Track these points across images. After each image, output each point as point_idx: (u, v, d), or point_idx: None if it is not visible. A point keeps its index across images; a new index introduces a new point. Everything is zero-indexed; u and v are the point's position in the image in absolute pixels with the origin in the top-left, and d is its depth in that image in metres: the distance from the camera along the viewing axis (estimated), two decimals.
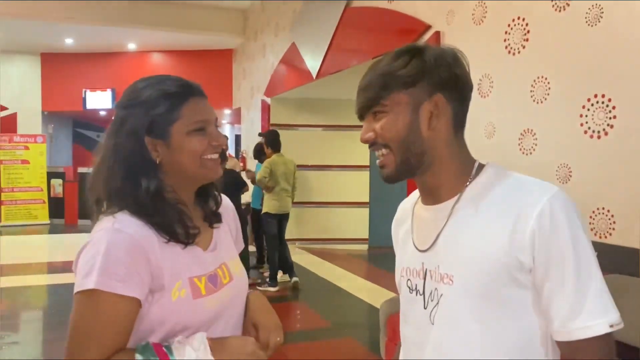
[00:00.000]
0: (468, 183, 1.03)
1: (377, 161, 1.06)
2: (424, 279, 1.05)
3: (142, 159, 1.10)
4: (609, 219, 2.86)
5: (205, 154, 1.12)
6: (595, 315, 0.91)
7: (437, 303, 1.02)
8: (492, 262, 0.95)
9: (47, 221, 11.37)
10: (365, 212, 8.73)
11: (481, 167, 1.04)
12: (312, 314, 5.30)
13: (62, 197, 11.67)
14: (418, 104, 1.01)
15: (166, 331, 1.07)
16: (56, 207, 11.57)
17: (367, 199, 8.75)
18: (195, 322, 1.08)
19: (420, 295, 1.06)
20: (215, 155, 1.14)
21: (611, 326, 0.91)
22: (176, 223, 1.10)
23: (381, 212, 8.45)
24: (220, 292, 1.14)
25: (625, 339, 2.59)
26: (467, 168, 1.04)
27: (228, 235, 1.28)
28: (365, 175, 8.68)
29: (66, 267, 7.56)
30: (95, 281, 1.00)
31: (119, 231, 1.04)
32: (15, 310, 5.33)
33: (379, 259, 7.91)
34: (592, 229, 2.94)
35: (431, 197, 1.07)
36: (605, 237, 2.87)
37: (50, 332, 4.94)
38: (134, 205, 1.08)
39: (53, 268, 7.74)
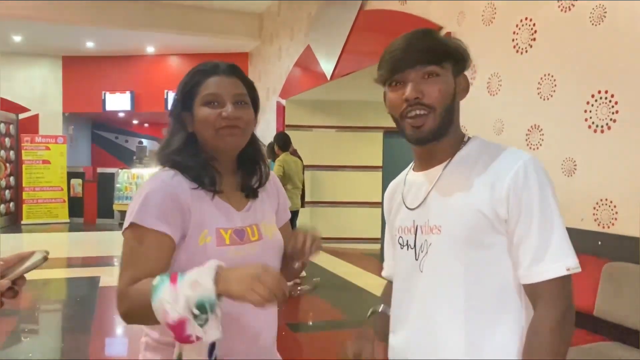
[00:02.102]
0: (458, 150, 1.18)
1: (412, 121, 1.13)
2: (415, 234, 1.19)
3: (180, 127, 1.30)
4: (612, 210, 2.97)
5: (217, 124, 1.25)
6: (555, 259, 1.05)
7: (427, 252, 1.16)
8: (475, 212, 1.09)
9: (67, 220, 11.63)
10: (377, 211, 8.82)
11: (469, 139, 1.21)
12: (328, 307, 5.44)
13: (82, 196, 11.93)
14: (455, 76, 1.16)
15: None
16: (75, 206, 11.82)
17: (379, 199, 8.87)
18: None
19: (412, 249, 1.19)
20: (231, 127, 1.25)
21: (568, 269, 1.05)
22: (203, 173, 1.26)
23: None
24: (246, 245, 1.27)
25: (626, 323, 2.70)
26: (459, 138, 1.20)
27: (266, 204, 1.39)
28: (377, 176, 8.80)
29: (85, 262, 7.84)
30: (134, 217, 1.19)
31: (156, 179, 1.25)
32: (38, 301, 5.54)
33: None
34: (595, 220, 3.05)
35: (426, 162, 1.21)
36: (608, 227, 2.98)
37: (69, 322, 5.16)
38: (171, 161, 1.28)
39: (72, 263, 7.98)
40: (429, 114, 1.12)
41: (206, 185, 1.26)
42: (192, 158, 1.27)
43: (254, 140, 1.36)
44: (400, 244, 1.23)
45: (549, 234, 1.06)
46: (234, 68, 1.33)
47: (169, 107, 1.35)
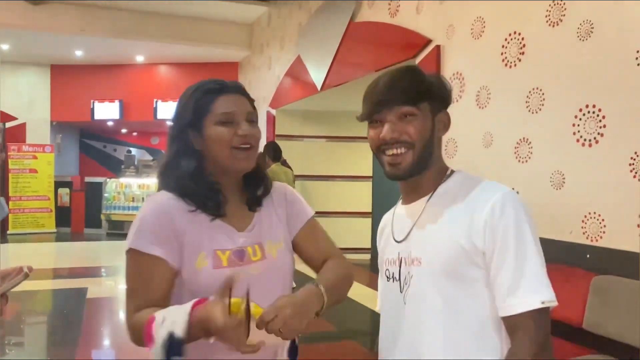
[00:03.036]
0: (443, 182, 1.22)
1: (390, 159, 1.18)
2: (399, 266, 1.21)
3: (185, 147, 1.28)
4: (600, 223, 3.00)
5: (232, 143, 1.24)
6: (530, 292, 1.06)
7: (409, 285, 1.18)
8: (453, 245, 1.12)
9: (54, 229, 11.52)
10: (367, 222, 8.85)
11: (452, 172, 1.24)
12: (317, 319, 5.41)
13: (69, 206, 11.83)
14: (435, 114, 1.21)
15: (201, 296, 1.18)
16: (63, 215, 11.72)
17: (369, 209, 8.89)
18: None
19: (397, 281, 1.21)
20: (245, 147, 1.25)
21: (543, 302, 1.05)
22: (209, 198, 1.25)
23: None
24: (246, 266, 1.24)
25: (615, 336, 2.72)
26: (442, 172, 1.24)
27: (273, 218, 1.35)
28: (368, 186, 8.82)
29: (72, 273, 7.75)
30: (130, 242, 1.21)
31: (152, 201, 1.26)
32: (24, 314, 5.46)
33: None
34: (584, 233, 3.08)
35: (411, 195, 1.25)
36: (597, 240, 3.01)
37: (56, 334, 5.09)
38: (173, 184, 1.27)
39: (59, 274, 7.89)
40: (408, 151, 1.17)
41: (209, 210, 1.26)
42: (200, 182, 1.26)
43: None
44: (387, 277, 1.25)
45: (523, 267, 1.07)
46: (240, 86, 1.34)
47: (171, 125, 1.33)
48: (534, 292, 1.06)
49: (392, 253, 1.25)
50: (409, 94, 1.16)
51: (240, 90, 1.32)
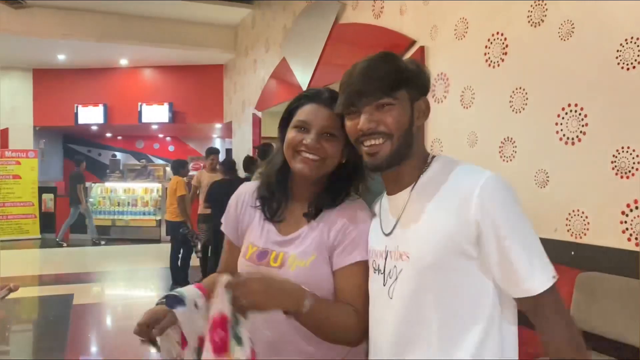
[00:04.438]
0: (422, 173, 1.19)
1: (368, 149, 1.15)
2: (385, 259, 1.20)
3: (281, 147, 1.38)
4: (584, 220, 3.04)
5: (296, 147, 1.31)
6: (544, 270, 1.08)
7: (396, 279, 1.16)
8: (441, 239, 1.10)
9: (38, 236, 11.38)
10: None
11: (432, 158, 1.21)
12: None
13: (54, 211, 11.69)
14: (413, 101, 1.17)
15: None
16: (47, 221, 11.58)
17: None
18: None
19: (381, 274, 1.20)
20: (308, 155, 1.29)
21: (554, 277, 1.09)
22: (273, 200, 1.39)
23: None
24: (262, 268, 1.32)
25: (600, 332, 2.75)
26: (423, 160, 1.21)
27: (317, 237, 1.31)
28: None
29: (58, 279, 7.66)
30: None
31: (241, 185, 1.51)
32: (9, 321, 5.39)
33: None
34: (568, 230, 3.11)
35: (393, 186, 1.22)
36: (581, 237, 3.05)
37: (42, 342, 5.03)
38: (264, 182, 1.44)
39: (44, 280, 7.80)
40: (386, 142, 1.14)
41: (266, 211, 1.40)
42: (279, 181, 1.39)
43: (340, 172, 1.35)
44: (374, 268, 1.24)
45: (531, 248, 1.09)
46: (333, 98, 1.29)
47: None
48: (547, 269, 1.09)
49: (379, 244, 1.23)
50: (385, 83, 1.13)
51: (332, 102, 1.29)
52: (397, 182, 1.21)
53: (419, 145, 1.21)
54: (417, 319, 1.12)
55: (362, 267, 1.27)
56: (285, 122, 1.39)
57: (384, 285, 1.18)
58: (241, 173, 6.88)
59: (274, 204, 1.38)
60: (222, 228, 1.47)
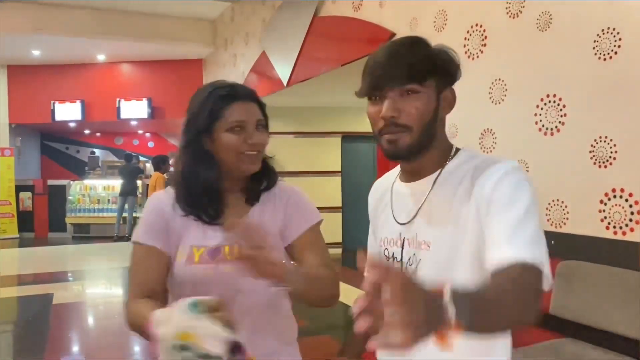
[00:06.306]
0: (447, 162, 1.14)
1: (387, 137, 1.09)
2: (402, 247, 1.15)
3: (202, 154, 1.33)
4: (564, 210, 3.07)
5: (241, 149, 1.30)
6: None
7: (416, 268, 1.12)
8: (464, 233, 1.04)
9: (17, 235, 11.19)
10: (338, 216, 8.88)
11: (457, 150, 1.16)
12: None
13: (32, 210, 11.51)
14: (440, 91, 1.10)
15: (180, 288, 1.28)
16: (25, 220, 11.39)
17: (339, 204, 8.91)
18: (190, 285, 1.26)
19: (399, 262, 1.15)
20: (252, 152, 1.31)
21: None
22: (210, 206, 1.32)
23: (354, 216, 8.62)
24: (219, 265, 1.28)
25: (580, 320, 2.78)
26: (446, 150, 1.15)
27: (266, 218, 1.36)
28: (337, 180, 8.84)
29: (37, 279, 7.54)
30: (133, 236, 1.35)
31: (152, 197, 1.41)
32: None
33: (353, 262, 8.02)
34: (548, 220, 3.14)
35: (412, 175, 1.17)
36: (561, 226, 3.08)
37: (21, 343, 4.95)
38: (185, 187, 1.34)
39: (24, 280, 7.67)
40: (404, 133, 1.08)
41: (203, 218, 1.32)
42: (210, 187, 1.32)
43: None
44: (386, 256, 1.20)
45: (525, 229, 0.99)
46: (252, 93, 1.37)
47: (184, 128, 1.36)
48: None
49: (392, 233, 1.18)
50: (414, 70, 1.05)
51: (252, 97, 1.36)
52: (416, 172, 1.16)
53: (442, 136, 1.15)
54: None
55: (318, 227, 1.41)
56: (205, 125, 1.31)
57: None
58: None
59: (209, 208, 1.32)
60: (141, 240, 1.32)
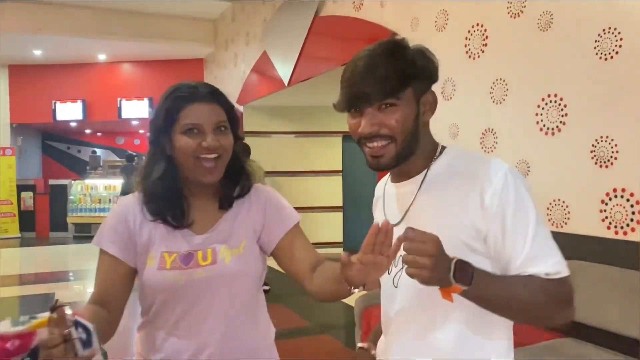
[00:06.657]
0: (433, 162, 1.14)
1: (371, 151, 1.09)
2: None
3: (160, 155, 1.29)
4: (565, 209, 3.07)
5: (196, 154, 1.24)
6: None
7: (402, 268, 1.12)
8: (452, 238, 1.03)
9: (18, 234, 11.20)
10: (339, 216, 8.88)
11: (443, 148, 1.16)
12: (291, 315, 5.41)
13: (33, 210, 11.52)
14: (419, 96, 1.09)
15: (152, 296, 1.26)
16: (27, 220, 11.41)
17: (340, 203, 8.91)
18: (162, 291, 1.25)
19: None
20: (210, 156, 1.24)
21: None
22: (174, 208, 1.28)
23: (355, 215, 8.62)
24: (191, 270, 1.24)
25: (581, 320, 2.78)
26: (432, 151, 1.15)
27: (242, 222, 1.33)
28: (338, 180, 8.84)
29: (38, 278, 7.54)
30: (94, 239, 1.32)
31: (118, 201, 1.36)
32: None
33: None
34: (549, 219, 3.14)
35: (400, 176, 1.17)
36: (562, 226, 3.08)
37: None
38: (144, 187, 1.31)
39: (25, 280, 7.67)
40: (389, 144, 1.08)
41: (172, 220, 1.27)
42: (170, 190, 1.28)
43: (234, 155, 1.34)
44: None
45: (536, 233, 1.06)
46: (213, 93, 1.29)
47: (149, 128, 1.31)
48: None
49: None
50: (389, 84, 1.04)
51: (213, 97, 1.28)
52: (402, 174, 1.16)
53: (426, 138, 1.14)
54: (424, 305, 1.10)
55: (299, 226, 1.38)
56: (161, 129, 1.27)
57: (389, 273, 1.16)
58: None
59: (177, 211, 1.28)
60: (104, 247, 1.28)
